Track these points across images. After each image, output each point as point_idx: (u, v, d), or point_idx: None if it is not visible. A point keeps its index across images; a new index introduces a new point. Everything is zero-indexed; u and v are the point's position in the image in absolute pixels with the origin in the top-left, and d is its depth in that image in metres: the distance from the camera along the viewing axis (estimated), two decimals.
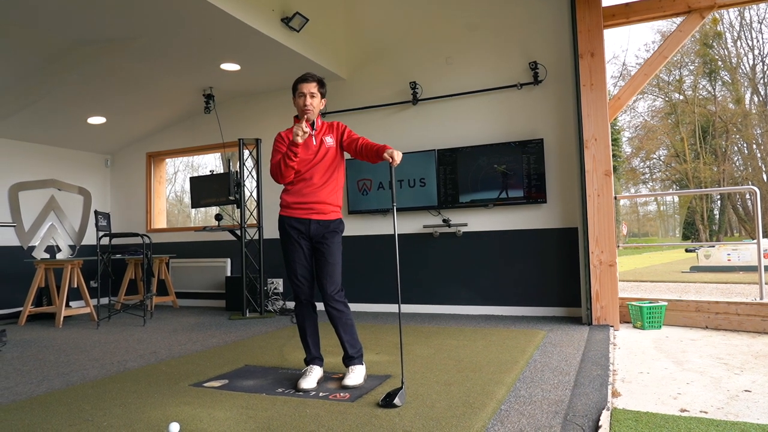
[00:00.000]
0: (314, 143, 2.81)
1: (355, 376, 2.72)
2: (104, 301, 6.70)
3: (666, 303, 4.41)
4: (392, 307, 5.67)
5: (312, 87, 2.79)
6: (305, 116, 2.79)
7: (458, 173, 5.39)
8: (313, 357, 2.85)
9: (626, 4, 4.79)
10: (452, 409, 2.26)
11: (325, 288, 2.75)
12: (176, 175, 25.64)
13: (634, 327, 4.45)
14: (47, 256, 6.00)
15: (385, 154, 2.65)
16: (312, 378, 2.73)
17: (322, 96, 2.85)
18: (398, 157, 2.64)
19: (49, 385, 2.98)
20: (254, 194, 5.98)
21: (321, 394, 2.55)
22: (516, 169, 5.16)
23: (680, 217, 32.18)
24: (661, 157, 31.30)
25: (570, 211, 5.01)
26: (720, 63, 28.60)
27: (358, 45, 6.06)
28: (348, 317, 2.79)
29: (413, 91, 5.67)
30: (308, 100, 2.78)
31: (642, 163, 31.96)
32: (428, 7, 5.68)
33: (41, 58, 4.89)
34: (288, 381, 2.83)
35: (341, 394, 2.54)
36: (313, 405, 2.38)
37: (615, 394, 2.59)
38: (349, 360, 2.79)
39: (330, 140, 2.84)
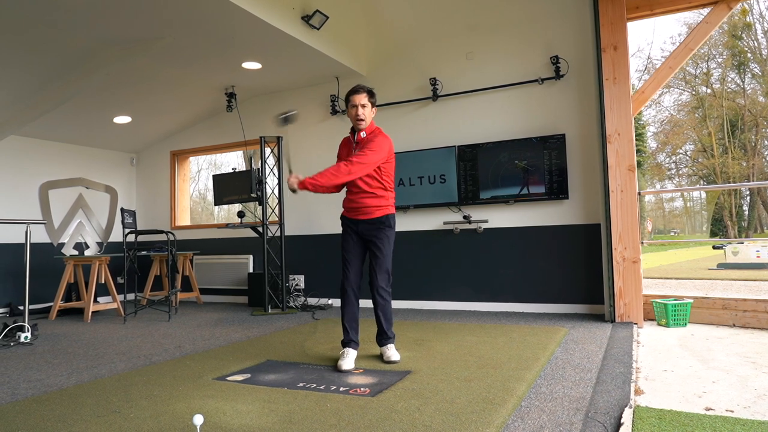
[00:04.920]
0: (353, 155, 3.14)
1: (395, 352, 3.15)
2: (131, 296, 6.85)
3: (692, 300, 4.33)
4: (412, 304, 5.68)
5: (363, 98, 3.13)
6: (359, 126, 3.16)
7: (479, 169, 5.36)
8: (349, 339, 3.12)
9: None
10: (472, 404, 2.27)
11: (374, 278, 3.12)
12: (200, 174, 25.95)
13: (659, 325, 4.38)
14: (76, 252, 6.16)
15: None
16: (349, 359, 3.02)
17: (373, 105, 3.18)
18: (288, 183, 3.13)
19: (78, 377, 3.06)
20: (276, 191, 6.03)
21: (341, 389, 2.58)
22: (537, 165, 5.11)
23: (707, 213, 31.48)
24: (688, 152, 30.65)
25: (593, 207, 4.95)
26: (749, 55, 27.85)
27: (378, 41, 6.06)
28: (389, 304, 3.19)
29: (433, 88, 5.66)
30: (360, 111, 3.11)
31: (668, 159, 31.36)
32: (448, 3, 5.65)
33: (68, 60, 5.00)
34: (309, 376, 2.86)
35: (361, 389, 2.56)
36: (333, 399, 2.41)
37: (638, 392, 2.56)
38: (388, 339, 3.19)
39: None
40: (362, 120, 3.13)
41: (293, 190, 3.10)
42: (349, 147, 3.24)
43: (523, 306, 5.19)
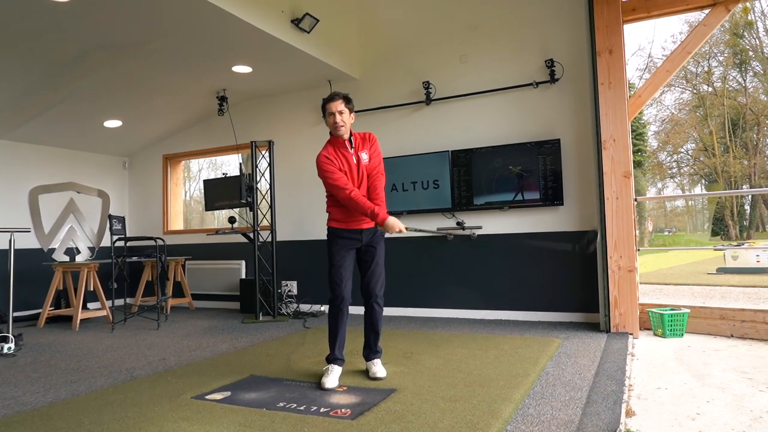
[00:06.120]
0: (354, 161, 3.04)
1: (382, 368, 3.07)
2: (123, 301, 6.77)
3: (688, 310, 4.24)
4: (404, 311, 5.59)
5: (339, 105, 3.00)
6: (339, 132, 3.01)
7: (473, 175, 5.27)
8: (335, 357, 3.03)
9: None
10: (455, 429, 2.18)
11: (374, 287, 3.07)
12: (201, 173, 25.84)
13: (655, 335, 4.29)
14: (67, 258, 6.07)
15: (382, 228, 2.92)
16: (333, 377, 2.94)
17: (351, 111, 3.07)
18: (393, 227, 2.88)
19: (55, 394, 2.98)
20: (267, 196, 5.94)
21: (322, 410, 2.49)
22: (532, 171, 5.02)
23: (709, 212, 31.30)
24: (689, 151, 30.48)
25: (588, 213, 4.85)
26: (751, 53, 27.65)
27: (371, 44, 5.96)
28: (383, 315, 3.14)
29: (427, 91, 5.56)
30: (338, 118, 2.99)
31: (669, 158, 31.18)
32: (442, 5, 5.55)
33: (55, 64, 4.92)
34: (291, 394, 2.78)
35: (342, 411, 2.47)
36: (311, 423, 2.32)
37: (629, 414, 2.47)
38: (375, 354, 3.12)
39: (365, 157, 3.08)
40: (342, 126, 3.00)
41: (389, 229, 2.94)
42: (346, 156, 3.03)
43: (518, 314, 5.10)
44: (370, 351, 3.13)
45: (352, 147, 3.05)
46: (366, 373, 3.10)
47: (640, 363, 3.44)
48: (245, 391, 2.87)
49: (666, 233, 34.29)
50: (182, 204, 7.68)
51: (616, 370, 3.12)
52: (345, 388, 2.86)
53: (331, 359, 3.04)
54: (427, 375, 3.07)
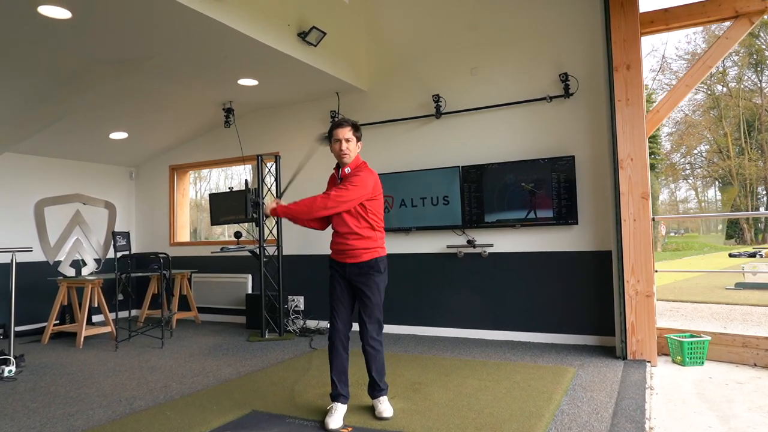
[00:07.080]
0: None
1: (388, 406, 2.94)
2: (130, 313, 6.69)
3: (709, 337, 4.06)
4: (413, 329, 5.45)
5: (347, 132, 2.96)
6: (342, 161, 3.00)
7: (484, 191, 5.12)
8: (338, 393, 2.92)
9: (665, 10, 4.42)
10: None
11: (364, 329, 2.94)
12: (211, 173, 25.81)
13: (674, 362, 4.12)
14: (73, 271, 6.01)
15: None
16: (338, 416, 2.82)
17: (358, 140, 3.02)
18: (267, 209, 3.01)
19: (51, 430, 2.88)
20: None
21: None
22: (545, 188, 4.86)
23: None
24: (703, 153, 30.04)
25: (603, 233, 4.68)
26: (767, 53, 27.19)
27: (380, 56, 5.83)
28: (381, 355, 2.99)
29: (436, 105, 5.42)
30: (344, 146, 2.96)
31: (683, 159, 30.75)
32: (453, 17, 5.41)
33: (60, 78, 4.84)
34: None
35: None
36: None
37: None
38: (380, 392, 2.98)
39: None
40: (346, 154, 2.97)
41: (266, 215, 2.99)
42: (334, 183, 3.08)
43: (530, 335, 4.94)
44: (374, 389, 3.01)
45: (339, 180, 3.02)
46: (373, 410, 2.97)
47: (659, 399, 3.28)
48: (245, 430, 2.76)
49: (672, 234, 33.78)
50: (188, 215, 7.59)
51: (635, 409, 2.97)
52: (350, 429, 2.74)
53: (335, 396, 2.93)
54: (436, 413, 2.94)
